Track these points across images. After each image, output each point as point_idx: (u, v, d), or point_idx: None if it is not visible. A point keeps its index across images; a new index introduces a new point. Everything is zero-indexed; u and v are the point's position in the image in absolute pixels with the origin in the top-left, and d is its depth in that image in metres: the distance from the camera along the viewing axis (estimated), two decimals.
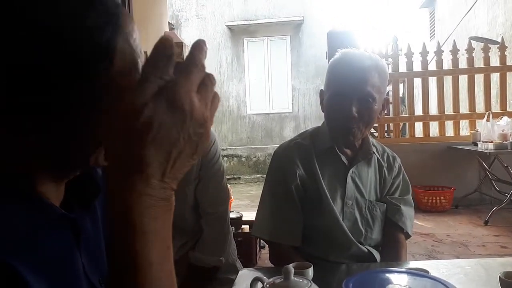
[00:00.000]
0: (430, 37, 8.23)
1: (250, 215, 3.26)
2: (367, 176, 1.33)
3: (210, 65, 8.83)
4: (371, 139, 1.37)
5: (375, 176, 1.35)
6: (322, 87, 1.30)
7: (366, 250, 1.29)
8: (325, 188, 1.26)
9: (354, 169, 1.31)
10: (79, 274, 0.48)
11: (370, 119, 1.23)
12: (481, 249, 3.01)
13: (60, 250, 0.45)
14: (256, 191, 6.41)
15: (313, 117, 8.62)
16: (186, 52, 4.09)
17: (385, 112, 1.32)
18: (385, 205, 1.34)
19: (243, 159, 8.22)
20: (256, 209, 1.35)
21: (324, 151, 1.30)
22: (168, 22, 5.39)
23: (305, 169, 1.29)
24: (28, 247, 0.40)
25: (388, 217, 1.34)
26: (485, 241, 3.19)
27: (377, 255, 1.31)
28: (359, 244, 1.27)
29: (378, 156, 1.37)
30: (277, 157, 1.35)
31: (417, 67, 4.67)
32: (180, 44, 4.19)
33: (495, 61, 4.56)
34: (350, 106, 1.19)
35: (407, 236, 1.35)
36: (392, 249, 1.31)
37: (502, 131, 3.78)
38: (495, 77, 4.63)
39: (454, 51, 4.54)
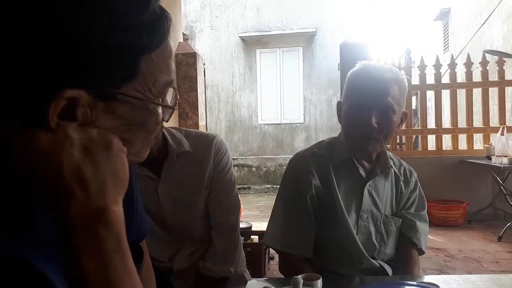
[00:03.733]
0: (444, 50, 8.18)
1: (259, 225, 3.25)
2: (383, 190, 1.31)
3: (223, 75, 8.92)
4: (388, 152, 1.35)
5: (391, 190, 1.33)
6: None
7: (378, 264, 1.27)
8: (340, 200, 1.24)
9: (371, 182, 1.28)
10: None
11: (389, 131, 1.22)
12: (495, 266, 2.95)
13: None
14: (266, 201, 6.39)
15: (324, 128, 8.60)
16: (199, 63, 4.13)
17: (402, 125, 1.30)
18: (401, 220, 1.32)
19: (254, 169, 8.23)
20: (266, 219, 1.34)
21: (341, 162, 1.28)
22: (182, 33, 5.47)
23: (321, 180, 1.27)
24: (53, 248, 0.41)
25: (403, 233, 1.31)
26: (498, 258, 3.12)
27: (389, 270, 1.28)
28: (371, 259, 1.25)
29: (395, 169, 1.35)
30: (293, 166, 1.33)
31: (430, 80, 4.65)
32: (194, 55, 4.25)
33: (510, 75, 4.52)
34: (370, 117, 1.18)
35: (421, 252, 1.32)
36: (404, 265, 1.29)
37: None
38: (509, 91, 4.58)
39: (468, 64, 4.50)
